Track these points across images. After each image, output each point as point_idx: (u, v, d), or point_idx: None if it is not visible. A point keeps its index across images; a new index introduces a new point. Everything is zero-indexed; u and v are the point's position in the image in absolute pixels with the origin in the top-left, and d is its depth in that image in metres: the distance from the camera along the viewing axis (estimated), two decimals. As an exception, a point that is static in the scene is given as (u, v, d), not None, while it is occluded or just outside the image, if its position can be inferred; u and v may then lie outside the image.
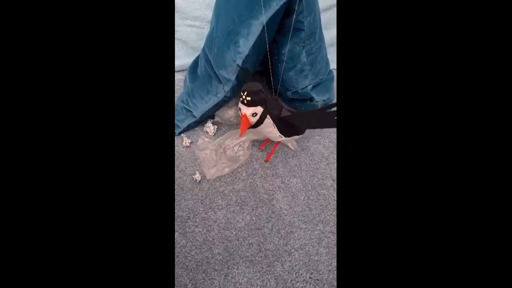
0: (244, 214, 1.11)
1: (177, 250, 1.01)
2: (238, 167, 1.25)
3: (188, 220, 1.10)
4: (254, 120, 1.10)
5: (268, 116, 1.11)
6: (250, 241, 1.03)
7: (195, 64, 1.59)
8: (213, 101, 1.33)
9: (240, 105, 1.02)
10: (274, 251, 1.01)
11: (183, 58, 1.87)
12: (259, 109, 1.07)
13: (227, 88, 1.29)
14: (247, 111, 1.06)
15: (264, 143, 1.34)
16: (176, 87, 1.77)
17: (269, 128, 1.16)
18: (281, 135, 1.21)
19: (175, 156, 1.28)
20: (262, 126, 1.14)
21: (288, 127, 1.18)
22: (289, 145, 1.40)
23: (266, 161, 1.29)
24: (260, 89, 1.06)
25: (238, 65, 1.26)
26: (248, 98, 1.03)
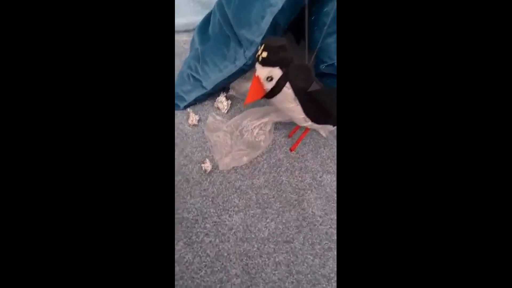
0: (268, 220, 0.84)
1: (181, 268, 0.74)
2: (257, 156, 0.95)
3: (196, 225, 0.83)
4: (268, 86, 0.80)
5: (289, 85, 0.81)
6: (277, 259, 0.77)
7: (206, 21, 1.24)
8: (229, 69, 1.02)
9: (256, 64, 0.78)
10: (309, 275, 0.75)
11: (189, 16, 1.50)
12: (276, 72, 0.78)
13: (249, 53, 0.97)
14: (261, 72, 0.78)
15: (294, 129, 1.05)
16: (181, 50, 1.42)
17: (289, 104, 0.86)
18: (307, 118, 0.91)
19: (180, 137, 1.00)
20: (279, 98, 0.84)
21: (317, 108, 0.86)
22: (321, 131, 1.11)
23: (291, 150, 1.00)
24: (282, 44, 0.76)
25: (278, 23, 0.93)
26: (264, 54, 0.75)
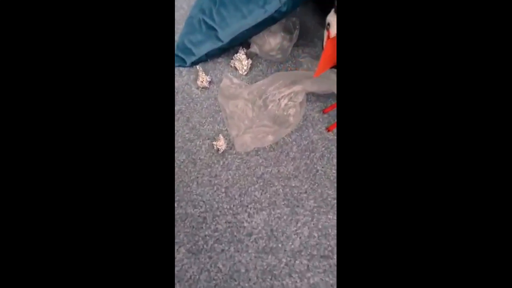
0: (299, 225, 0.63)
1: (182, 286, 0.54)
2: (286, 136, 0.79)
3: (204, 226, 0.61)
4: None
5: None
6: (312, 281, 0.57)
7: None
8: (255, 15, 0.82)
9: (332, 17, 0.58)
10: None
11: None
12: None
13: None
14: None
15: (333, 105, 0.81)
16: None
17: None
18: None
19: (185, 103, 0.83)
20: None
21: None
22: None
23: (329, 130, 0.77)
24: None
25: None
26: None
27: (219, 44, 0.86)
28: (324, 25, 0.66)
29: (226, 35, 0.85)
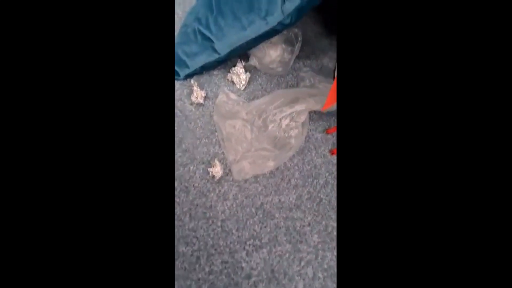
0: (302, 264, 0.57)
1: None
2: (287, 160, 0.69)
3: (197, 267, 0.54)
4: None
5: None
6: (317, 333, 0.50)
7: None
8: (256, 27, 0.75)
9: None
10: None
11: None
12: None
13: (291, 5, 0.64)
14: None
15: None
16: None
17: None
18: None
19: (178, 121, 0.79)
20: None
21: None
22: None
23: (333, 153, 0.71)
24: None
25: None
26: None
27: (216, 56, 0.79)
28: (326, 35, 0.60)
29: (223, 47, 0.78)
